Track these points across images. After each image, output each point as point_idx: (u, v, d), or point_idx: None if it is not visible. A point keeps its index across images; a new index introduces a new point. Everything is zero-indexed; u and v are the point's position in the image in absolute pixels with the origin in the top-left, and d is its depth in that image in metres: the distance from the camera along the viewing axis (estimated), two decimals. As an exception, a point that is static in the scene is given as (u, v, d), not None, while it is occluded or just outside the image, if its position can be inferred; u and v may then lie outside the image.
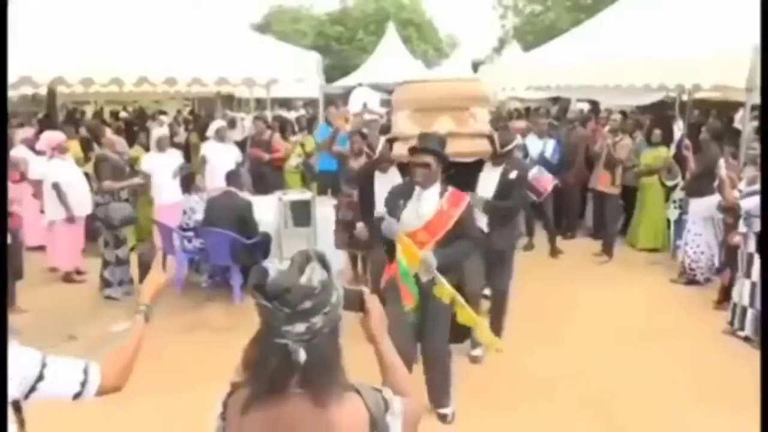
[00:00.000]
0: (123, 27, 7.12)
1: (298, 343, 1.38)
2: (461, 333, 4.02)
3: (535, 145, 8.17)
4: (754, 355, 5.03)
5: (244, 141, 10.47)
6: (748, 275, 5.22)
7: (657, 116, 9.99)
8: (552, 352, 5.02)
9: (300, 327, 1.38)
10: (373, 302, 1.64)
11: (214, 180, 7.70)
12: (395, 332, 1.92)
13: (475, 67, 23.15)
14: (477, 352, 4.95)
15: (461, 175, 4.02)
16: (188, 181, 6.69)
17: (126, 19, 7.27)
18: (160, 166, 7.32)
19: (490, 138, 4.62)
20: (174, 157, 7.64)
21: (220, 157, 8.09)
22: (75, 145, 8.46)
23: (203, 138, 9.30)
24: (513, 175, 4.79)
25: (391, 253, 3.70)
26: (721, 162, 6.04)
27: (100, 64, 6.76)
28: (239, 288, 6.20)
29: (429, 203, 3.63)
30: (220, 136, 8.52)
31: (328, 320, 1.41)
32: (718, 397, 4.41)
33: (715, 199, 6.20)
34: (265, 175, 8.79)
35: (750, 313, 5.22)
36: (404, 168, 4.47)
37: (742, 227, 5.28)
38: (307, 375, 1.40)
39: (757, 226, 5.07)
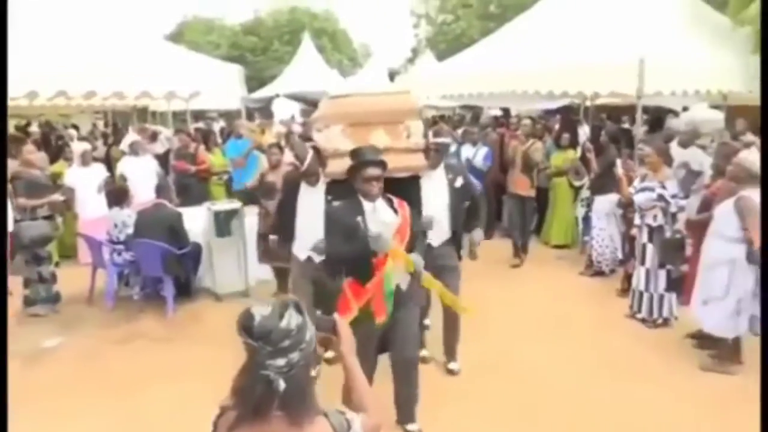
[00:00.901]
0: (41, 40, 7.06)
1: (278, 374, 1.65)
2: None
3: (468, 152, 8.58)
4: (649, 334, 5.68)
5: (166, 154, 10.43)
6: (642, 263, 5.80)
7: (564, 121, 10.69)
8: (475, 345, 5.28)
9: (280, 361, 1.65)
10: (343, 327, 1.99)
11: (137, 194, 7.64)
12: (361, 347, 2.20)
13: (392, 76, 23.71)
14: (453, 366, 5.01)
15: (396, 190, 3.94)
16: (120, 196, 6.64)
17: (43, 33, 7.20)
18: (84, 181, 7.25)
19: (426, 152, 4.56)
20: (98, 172, 7.60)
21: (139, 171, 8.13)
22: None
23: (126, 152, 9.23)
24: (459, 182, 4.76)
25: (359, 273, 3.68)
26: (618, 162, 6.67)
27: (16, 77, 6.63)
28: (172, 299, 6.28)
29: (387, 212, 3.70)
30: (134, 150, 8.56)
31: (303, 355, 1.70)
32: (621, 370, 4.94)
33: (615, 196, 6.82)
34: (190, 187, 8.83)
35: (645, 296, 5.82)
36: (335, 185, 4.36)
37: (637, 220, 5.88)
38: (285, 401, 1.67)
39: (648, 218, 5.68)
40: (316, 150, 4.62)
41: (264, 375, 1.65)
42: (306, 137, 6.46)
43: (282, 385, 1.65)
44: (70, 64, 7.17)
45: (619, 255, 7.22)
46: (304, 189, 4.78)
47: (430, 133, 4.75)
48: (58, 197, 6.56)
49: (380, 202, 3.70)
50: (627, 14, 8.55)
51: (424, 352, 5.01)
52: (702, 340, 5.23)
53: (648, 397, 4.51)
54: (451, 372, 4.98)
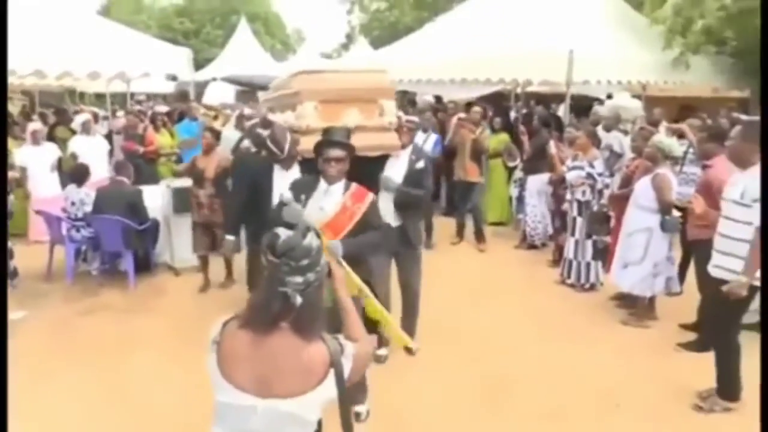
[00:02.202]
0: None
1: (296, 291, 1.84)
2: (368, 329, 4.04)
3: (419, 139, 8.77)
4: (578, 297, 6.36)
5: (108, 135, 10.47)
6: (572, 234, 6.48)
7: (497, 107, 11.35)
8: (421, 309, 5.48)
9: (298, 279, 1.84)
10: (335, 267, 2.28)
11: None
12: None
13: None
14: (382, 351, 4.83)
15: (366, 169, 3.84)
16: (81, 174, 6.72)
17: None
18: (36, 160, 7.30)
19: (398, 131, 4.60)
20: (50, 151, 7.64)
21: (92, 150, 8.22)
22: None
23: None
24: (420, 164, 4.71)
25: None
26: (552, 143, 7.31)
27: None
28: (133, 273, 6.50)
29: (333, 199, 3.52)
30: (86, 129, 8.62)
31: (318, 277, 1.89)
32: (552, 328, 5.54)
33: (546, 176, 7.48)
34: (139, 167, 8.91)
35: (574, 264, 6.50)
36: (307, 163, 4.27)
37: (568, 196, 6.53)
38: (299, 316, 1.85)
39: (578, 194, 6.34)
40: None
41: (282, 291, 1.82)
42: (264, 120, 6.50)
43: (299, 300, 1.82)
44: (15, 43, 7.13)
45: (550, 230, 7.89)
46: (279, 173, 4.61)
47: (400, 113, 4.88)
48: (13, 174, 6.63)
49: (336, 187, 3.54)
50: (556, 8, 9.26)
51: (382, 351, 4.80)
52: (622, 300, 5.94)
53: (576, 349, 5.12)
54: (408, 351, 4.60)
